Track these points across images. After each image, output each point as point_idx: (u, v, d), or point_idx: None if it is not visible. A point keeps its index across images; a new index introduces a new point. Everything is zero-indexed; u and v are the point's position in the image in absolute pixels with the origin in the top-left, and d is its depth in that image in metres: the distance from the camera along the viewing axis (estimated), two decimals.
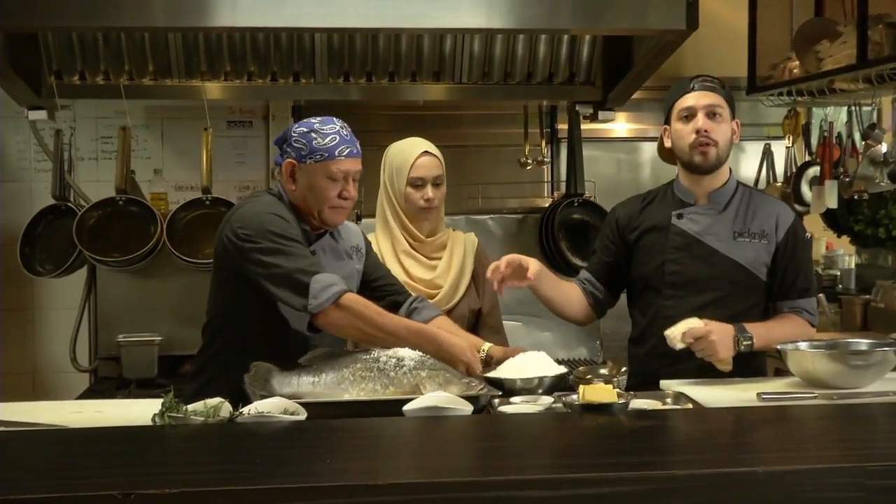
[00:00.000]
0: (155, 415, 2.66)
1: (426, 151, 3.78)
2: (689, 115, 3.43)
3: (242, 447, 2.45)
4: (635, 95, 6.20)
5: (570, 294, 3.67)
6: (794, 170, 5.75)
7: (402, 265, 3.78)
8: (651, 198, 3.66)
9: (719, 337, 3.21)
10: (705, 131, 3.39)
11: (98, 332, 4.97)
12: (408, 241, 3.80)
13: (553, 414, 2.84)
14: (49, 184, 5.10)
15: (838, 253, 6.09)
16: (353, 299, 3.17)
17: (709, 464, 2.24)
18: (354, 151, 3.33)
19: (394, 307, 3.43)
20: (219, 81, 5.04)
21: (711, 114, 3.40)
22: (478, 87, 5.12)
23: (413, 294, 3.62)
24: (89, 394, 4.53)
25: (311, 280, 3.12)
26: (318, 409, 2.81)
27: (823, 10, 5.62)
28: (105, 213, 4.88)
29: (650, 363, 3.54)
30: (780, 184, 5.84)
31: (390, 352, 3.07)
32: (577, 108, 5.05)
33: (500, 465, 2.26)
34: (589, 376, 4.20)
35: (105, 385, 4.76)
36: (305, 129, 3.30)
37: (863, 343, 3.31)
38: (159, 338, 4.80)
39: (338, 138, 3.30)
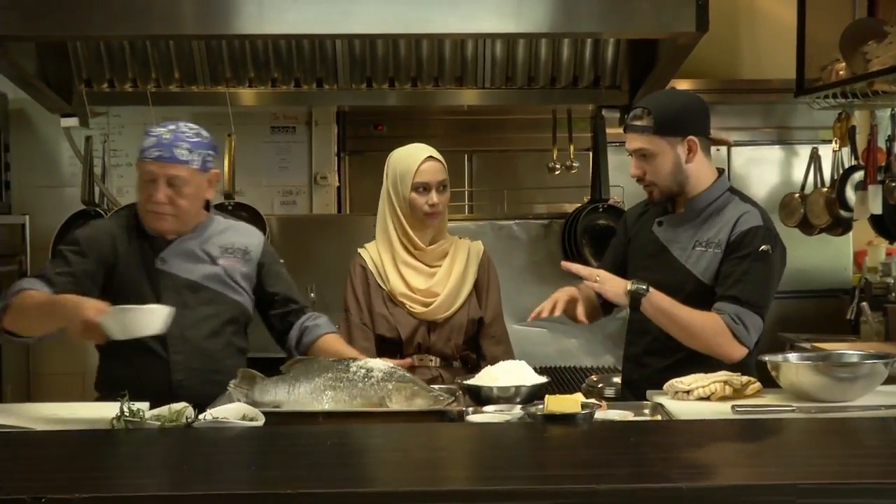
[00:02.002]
0: (112, 419, 2.70)
1: (430, 157, 3.77)
2: (631, 156, 3.42)
3: (177, 453, 2.47)
4: None
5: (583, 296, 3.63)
6: (839, 174, 5.59)
7: (402, 275, 3.76)
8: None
9: (609, 277, 3.28)
10: (638, 177, 3.39)
11: None
12: (407, 250, 3.78)
13: (510, 424, 2.82)
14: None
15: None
16: (26, 294, 3.14)
17: (633, 479, 2.19)
18: (165, 156, 3.27)
19: (287, 324, 3.56)
20: (243, 88, 5.09)
21: (641, 156, 3.36)
22: (504, 91, 5.08)
23: (409, 303, 3.69)
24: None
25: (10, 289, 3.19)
26: (287, 418, 2.85)
27: (877, 9, 5.46)
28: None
29: (624, 367, 3.65)
30: (825, 189, 5.69)
31: (361, 362, 3.09)
32: (602, 112, 4.98)
33: (413, 476, 2.24)
34: (601, 385, 4.23)
35: None
36: (148, 129, 3.36)
37: (853, 355, 3.21)
38: None
39: (154, 140, 3.29)
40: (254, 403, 3.02)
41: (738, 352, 3.26)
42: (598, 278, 3.24)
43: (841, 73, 5.33)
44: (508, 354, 3.84)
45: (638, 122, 3.36)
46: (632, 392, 3.51)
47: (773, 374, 3.11)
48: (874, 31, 5.15)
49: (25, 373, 5.76)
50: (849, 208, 5.46)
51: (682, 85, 6.24)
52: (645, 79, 4.77)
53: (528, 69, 4.98)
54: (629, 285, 3.24)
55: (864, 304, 5.35)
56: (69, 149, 5.48)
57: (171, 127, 3.32)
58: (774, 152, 6.29)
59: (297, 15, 4.22)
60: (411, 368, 3.68)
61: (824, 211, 5.63)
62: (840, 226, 5.70)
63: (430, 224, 3.76)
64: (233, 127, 5.01)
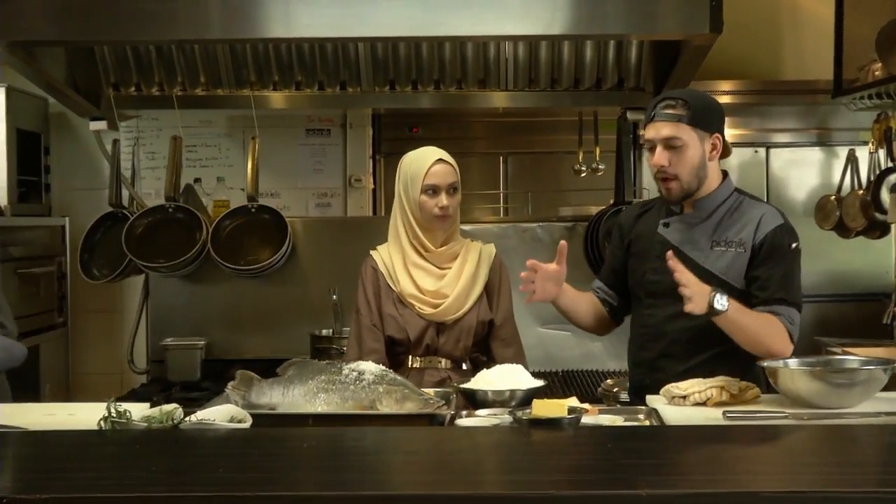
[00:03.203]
0: (100, 420, 2.75)
1: (440, 159, 3.77)
2: (651, 147, 3.36)
3: (153, 455, 2.50)
4: (721, 101, 6.07)
5: (588, 303, 3.64)
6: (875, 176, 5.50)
7: (412, 277, 3.77)
8: (650, 205, 3.63)
9: (697, 289, 3.15)
10: (662, 167, 3.32)
11: (150, 336, 5.15)
12: (417, 252, 3.79)
13: (494, 428, 2.81)
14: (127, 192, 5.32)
15: None
16: None
17: (594, 485, 2.18)
18: None
19: None
20: (268, 91, 5.14)
21: (670, 146, 3.31)
22: (530, 94, 5.06)
23: (418, 304, 3.67)
24: (130, 396, 4.68)
25: None
26: (278, 420, 2.89)
27: None
28: (155, 220, 5.04)
29: (632, 372, 3.59)
30: (861, 191, 5.59)
31: (353, 365, 3.10)
32: (627, 114, 4.94)
33: (377, 479, 2.25)
34: (616, 389, 4.20)
35: (152, 387, 4.91)
36: None
37: (853, 360, 3.16)
38: (203, 342, 4.94)
39: None
40: (250, 405, 3.06)
41: (789, 352, 3.25)
42: (689, 292, 3.13)
43: (877, 73, 5.25)
44: (518, 357, 3.83)
45: (672, 111, 3.31)
46: (641, 398, 3.46)
47: (771, 379, 3.08)
48: None
49: (65, 372, 5.86)
50: (884, 211, 5.36)
51: (724, 86, 6.22)
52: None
53: (552, 71, 4.97)
54: (712, 297, 3.14)
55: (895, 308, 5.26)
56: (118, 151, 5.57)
57: None
58: (814, 154, 6.20)
59: (321, 19, 4.28)
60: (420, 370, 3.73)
61: (860, 213, 5.53)
62: (877, 229, 5.60)
63: (440, 226, 3.76)
64: (257, 130, 5.05)
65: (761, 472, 2.31)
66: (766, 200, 5.97)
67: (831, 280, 6.11)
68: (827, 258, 6.03)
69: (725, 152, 3.50)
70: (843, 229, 5.70)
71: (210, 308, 5.17)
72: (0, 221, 5.26)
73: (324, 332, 4.91)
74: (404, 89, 5.09)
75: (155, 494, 2.09)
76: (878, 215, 5.40)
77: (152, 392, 4.71)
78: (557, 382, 4.87)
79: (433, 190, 3.72)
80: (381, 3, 4.22)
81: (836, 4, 5.57)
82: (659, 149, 3.33)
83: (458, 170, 3.79)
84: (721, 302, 3.14)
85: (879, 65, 5.19)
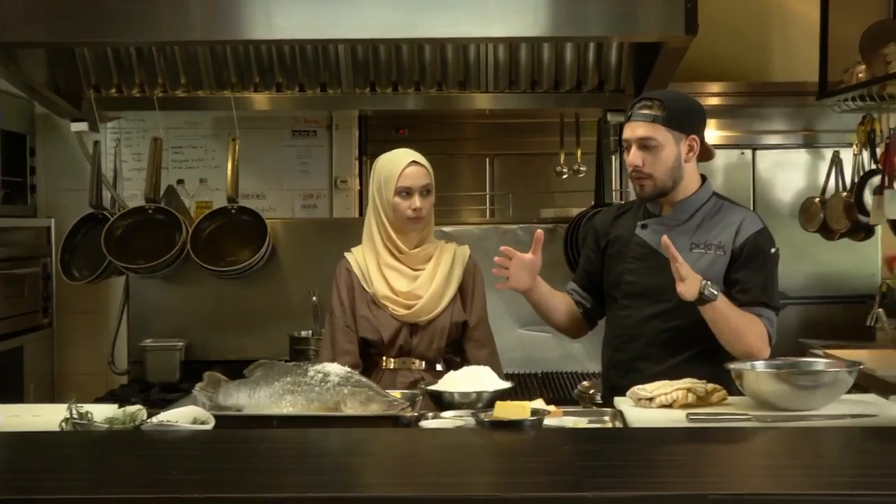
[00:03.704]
0: (61, 422, 2.75)
1: (414, 161, 3.78)
2: (627, 146, 3.38)
3: (108, 456, 2.51)
4: (704, 102, 6.06)
5: (562, 302, 3.64)
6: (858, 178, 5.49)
7: (386, 278, 3.78)
8: (627, 207, 3.65)
9: (691, 274, 3.19)
10: (637, 167, 3.35)
11: (130, 337, 5.16)
12: (391, 254, 3.80)
13: (454, 430, 2.82)
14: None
15: None
16: None
17: (539, 487, 2.19)
18: None
19: None
20: (249, 92, 5.13)
21: (644, 146, 3.33)
22: (512, 96, 5.06)
23: (392, 305, 3.69)
24: (109, 397, 4.69)
25: None
26: (243, 422, 2.90)
27: None
28: (134, 221, 5.04)
29: (606, 374, 3.59)
30: (845, 193, 5.59)
31: (318, 366, 3.10)
32: (607, 116, 4.95)
33: (323, 481, 2.25)
34: (592, 391, 4.20)
35: (131, 388, 4.91)
36: None
37: (818, 363, 3.16)
38: (182, 343, 4.95)
39: None
40: (218, 407, 3.07)
41: (767, 354, 3.28)
42: (683, 276, 3.17)
43: (861, 75, 5.24)
44: (492, 358, 3.84)
45: (647, 111, 3.35)
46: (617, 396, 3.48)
47: (737, 382, 3.07)
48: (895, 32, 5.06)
49: (50, 373, 5.86)
50: (867, 213, 5.35)
51: (712, 88, 6.21)
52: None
53: (532, 73, 4.96)
54: (703, 285, 3.17)
55: (880, 310, 5.26)
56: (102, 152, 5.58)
57: None
58: (801, 156, 6.20)
59: (301, 20, 4.27)
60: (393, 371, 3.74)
61: (843, 216, 5.53)
62: (861, 231, 5.60)
63: (413, 228, 3.77)
64: (237, 131, 5.05)
65: (713, 474, 2.33)
66: (752, 202, 6.10)
67: (817, 282, 6.11)
68: (813, 260, 6.03)
69: (707, 155, 3.51)
70: (827, 231, 5.69)
71: (190, 309, 5.18)
72: None
73: (303, 333, 4.92)
74: (385, 91, 5.09)
75: (101, 496, 2.09)
76: (862, 217, 5.40)
77: (131, 393, 4.71)
78: (536, 384, 4.88)
79: (406, 192, 3.73)
80: (361, 5, 4.21)
81: (822, 6, 5.57)
82: (634, 148, 3.36)
83: (431, 172, 3.80)
84: (712, 290, 3.17)
85: (863, 67, 5.19)
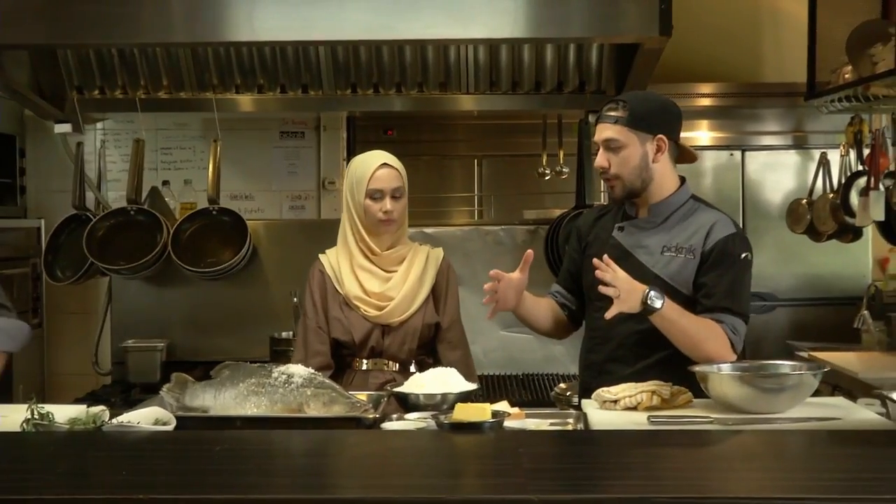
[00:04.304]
0: (22, 422, 2.76)
1: (385, 163, 3.78)
2: (595, 149, 3.41)
3: (63, 456, 2.52)
4: (695, 103, 6.06)
5: (546, 308, 3.63)
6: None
7: (358, 279, 3.78)
8: (608, 209, 3.64)
9: (627, 286, 3.16)
10: (603, 168, 3.37)
11: (113, 338, 5.18)
12: (364, 255, 3.80)
13: (413, 432, 2.82)
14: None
15: None
16: None
17: (482, 489, 2.19)
18: None
19: None
20: (230, 94, 5.14)
21: (609, 148, 3.35)
22: (499, 97, 5.06)
23: (363, 306, 3.70)
24: (90, 397, 4.70)
25: None
26: (207, 423, 2.92)
27: (891, 10, 5.33)
28: (116, 222, 5.06)
29: (581, 376, 3.60)
30: (831, 194, 5.57)
31: (283, 367, 3.11)
32: (588, 117, 4.94)
33: (269, 483, 2.25)
34: (569, 393, 4.19)
35: (113, 389, 4.93)
36: None
37: (784, 366, 3.15)
38: (162, 344, 4.97)
39: None
40: (184, 408, 3.08)
41: (731, 359, 3.24)
42: (612, 292, 3.14)
43: (847, 76, 5.23)
44: (465, 360, 3.85)
45: (612, 113, 3.36)
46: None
47: (702, 384, 3.06)
48: (883, 32, 5.03)
49: (40, 373, 5.87)
50: (853, 214, 5.33)
51: (704, 89, 6.19)
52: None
53: (513, 74, 4.97)
54: (646, 295, 3.15)
55: (866, 312, 5.24)
56: (84, 154, 5.59)
57: None
58: (791, 157, 6.17)
59: (283, 22, 4.29)
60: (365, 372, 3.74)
61: (829, 217, 5.51)
62: (849, 232, 5.58)
63: (385, 230, 3.77)
64: (219, 132, 5.06)
65: (662, 477, 2.32)
66: (741, 204, 6.08)
67: (807, 284, 6.09)
68: (803, 262, 6.02)
69: (688, 157, 3.51)
70: (814, 233, 5.68)
71: (172, 310, 5.20)
72: None
73: (284, 334, 4.93)
74: (366, 92, 5.10)
75: (46, 497, 2.10)
76: (848, 219, 5.38)
77: (112, 394, 4.73)
78: (516, 385, 4.88)
79: (378, 194, 3.73)
80: (341, 7, 4.23)
81: (809, 6, 5.55)
82: (601, 151, 3.37)
83: (404, 174, 3.80)
84: (655, 299, 3.15)
85: (850, 67, 5.18)
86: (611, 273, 3.15)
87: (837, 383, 4.56)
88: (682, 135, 5.99)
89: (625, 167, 3.34)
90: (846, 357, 4.87)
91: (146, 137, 5.62)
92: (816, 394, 3.46)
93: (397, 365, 3.79)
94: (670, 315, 3.18)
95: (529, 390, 4.73)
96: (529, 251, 3.40)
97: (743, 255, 3.33)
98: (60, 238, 5.17)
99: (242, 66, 5.00)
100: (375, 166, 3.76)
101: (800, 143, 6.18)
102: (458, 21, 4.21)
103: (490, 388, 4.78)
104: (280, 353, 4.76)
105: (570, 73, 4.92)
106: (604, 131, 3.36)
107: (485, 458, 2.51)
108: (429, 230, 5.04)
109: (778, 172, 6.16)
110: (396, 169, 3.78)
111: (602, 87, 4.94)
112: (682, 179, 3.48)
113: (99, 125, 5.76)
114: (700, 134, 6.25)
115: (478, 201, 6.26)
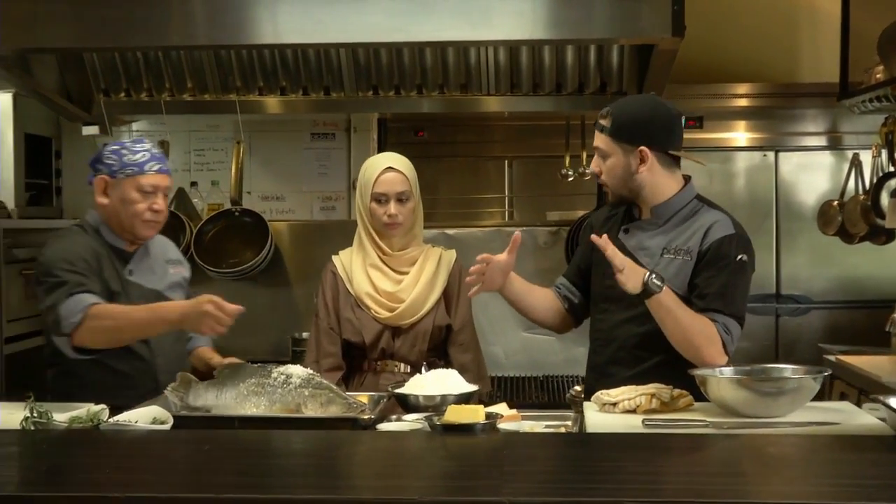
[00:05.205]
0: (21, 420, 2.81)
1: (390, 167, 3.78)
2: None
3: (54, 454, 2.55)
4: (730, 103, 6.00)
5: (542, 297, 3.61)
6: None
7: (370, 277, 3.81)
8: (619, 209, 3.58)
9: (630, 265, 3.19)
10: (595, 174, 3.40)
11: None
12: (378, 255, 3.82)
13: (403, 433, 2.83)
14: None
15: None
16: (99, 307, 3.33)
17: (463, 492, 2.20)
18: (164, 168, 3.59)
19: None
20: (254, 96, 5.19)
21: (599, 155, 3.36)
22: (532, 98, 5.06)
23: (374, 306, 3.74)
24: None
25: (62, 307, 3.32)
26: (206, 423, 2.97)
27: None
28: None
29: (586, 377, 3.58)
30: (863, 196, 5.50)
31: (282, 368, 3.14)
32: None
33: (244, 482, 2.27)
34: (584, 396, 4.17)
35: None
36: (118, 147, 3.59)
37: (785, 369, 3.11)
38: None
39: (148, 155, 3.56)
40: (188, 407, 3.12)
41: (722, 361, 3.20)
42: (623, 269, 3.16)
43: (879, 76, 5.16)
44: (476, 362, 3.85)
45: (601, 121, 3.36)
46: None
47: (701, 388, 3.04)
48: None
49: None
50: (884, 216, 5.26)
51: (740, 89, 6.13)
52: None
53: (533, 76, 4.97)
54: (648, 277, 3.16)
55: (894, 315, 5.15)
56: None
57: (147, 143, 3.62)
58: (825, 158, 6.09)
59: (307, 24, 4.33)
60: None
61: (861, 219, 5.44)
62: (883, 234, 5.50)
63: (391, 233, 3.78)
64: (242, 134, 5.13)
65: (639, 480, 2.30)
66: (774, 205, 6.00)
67: (842, 286, 6.00)
68: (837, 264, 5.93)
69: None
70: (845, 235, 5.61)
71: None
72: (6, 224, 5.36)
73: (304, 335, 4.94)
74: (387, 94, 5.12)
75: (23, 494, 2.14)
76: (879, 220, 5.30)
77: None
78: (534, 387, 4.87)
79: (382, 198, 3.75)
80: (363, 10, 4.26)
81: (842, 5, 5.50)
82: (595, 156, 3.38)
83: (411, 177, 3.79)
84: (656, 282, 3.15)
85: (881, 67, 5.11)
86: (612, 248, 3.17)
87: (864, 387, 4.50)
88: (715, 135, 6.04)
89: (610, 176, 3.35)
90: (875, 361, 4.79)
91: (178, 139, 5.70)
92: (842, 398, 3.43)
93: (408, 367, 3.79)
94: (667, 302, 3.17)
95: (548, 392, 4.71)
96: (517, 234, 3.41)
97: (739, 257, 3.27)
98: None
99: (265, 69, 5.04)
100: (380, 170, 3.77)
101: (835, 144, 6.10)
102: (476, 23, 4.22)
103: (508, 390, 4.78)
104: (301, 353, 4.76)
105: (591, 74, 4.90)
106: (595, 139, 3.38)
107: (466, 459, 2.51)
108: (450, 231, 5.05)
109: (812, 173, 6.08)
110: (402, 173, 3.78)
111: (624, 87, 4.92)
112: (687, 178, 3.44)
113: (135, 126, 5.84)
114: (735, 135, 6.20)
115: (508, 202, 6.25)
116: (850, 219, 5.51)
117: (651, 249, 3.36)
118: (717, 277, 3.25)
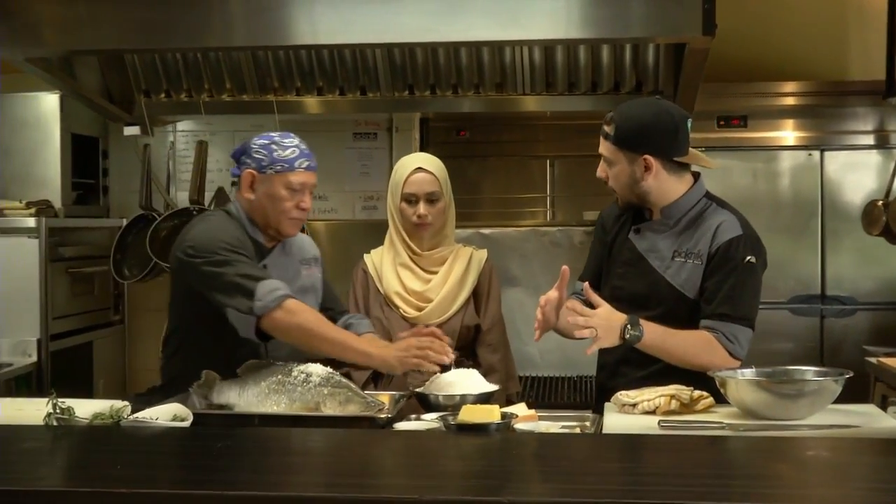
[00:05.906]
0: (45, 416, 2.86)
1: (420, 168, 3.80)
2: None
3: (80, 449, 2.62)
4: (775, 102, 5.93)
5: None
6: None
7: (399, 276, 3.83)
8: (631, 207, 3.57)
9: (604, 323, 3.11)
10: (603, 180, 3.36)
11: None
12: (407, 254, 3.85)
13: (419, 432, 2.84)
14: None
15: None
16: (297, 304, 3.31)
17: (463, 491, 2.22)
18: (312, 165, 3.52)
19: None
20: (291, 96, 5.23)
21: (605, 161, 3.33)
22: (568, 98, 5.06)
23: (403, 305, 3.77)
24: (149, 392, 4.79)
25: (258, 284, 3.28)
26: (227, 420, 3.01)
27: None
28: (180, 223, 5.14)
29: (597, 376, 3.55)
30: None
31: (302, 367, 3.16)
32: None
33: (253, 479, 2.30)
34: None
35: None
36: (266, 142, 3.50)
37: (807, 371, 3.07)
38: None
39: (297, 151, 3.49)
40: (211, 405, 3.16)
41: (732, 366, 3.17)
42: (596, 333, 3.10)
43: None
44: (505, 362, 3.86)
45: (605, 128, 3.32)
46: (607, 400, 3.45)
47: (721, 390, 3.01)
48: None
49: (121, 368, 6.05)
50: None
51: (787, 87, 6.07)
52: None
53: (569, 75, 4.96)
54: (625, 335, 3.13)
55: None
56: (164, 155, 5.76)
57: (295, 137, 3.57)
58: (872, 157, 5.99)
59: (343, 25, 4.37)
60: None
61: None
62: None
63: (421, 234, 3.80)
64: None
65: (640, 482, 2.30)
66: (819, 205, 5.92)
67: (888, 287, 5.91)
68: (884, 265, 5.84)
69: (705, 165, 3.44)
70: (890, 235, 5.53)
71: None
72: (53, 223, 5.45)
73: None
74: (423, 94, 5.14)
75: (40, 489, 2.19)
76: None
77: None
78: (567, 387, 4.86)
79: (412, 198, 3.77)
80: (399, 10, 4.29)
81: (889, 2, 5.42)
82: (601, 162, 3.35)
83: (442, 178, 3.80)
84: (632, 332, 3.13)
85: None
86: (584, 319, 3.11)
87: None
88: (760, 134, 5.96)
89: (616, 183, 3.33)
90: None
91: (222, 139, 5.76)
92: (884, 401, 3.37)
93: (437, 367, 3.80)
94: (653, 342, 3.16)
95: (580, 392, 4.70)
96: (565, 268, 3.32)
97: (746, 259, 3.23)
98: (128, 238, 5.32)
99: (302, 69, 5.09)
100: (410, 170, 3.79)
101: (881, 143, 6.00)
102: (510, 23, 4.24)
103: (541, 390, 4.78)
104: None
105: (626, 73, 4.89)
106: (601, 146, 3.34)
107: (474, 459, 2.52)
108: (486, 231, 5.05)
109: (858, 173, 5.97)
110: (432, 173, 3.79)
111: (660, 86, 4.89)
112: (696, 176, 3.39)
113: (180, 126, 5.90)
114: (780, 134, 6.12)
115: (549, 202, 6.23)
116: (895, 219, 5.43)
117: (662, 252, 3.34)
118: (725, 282, 3.22)
